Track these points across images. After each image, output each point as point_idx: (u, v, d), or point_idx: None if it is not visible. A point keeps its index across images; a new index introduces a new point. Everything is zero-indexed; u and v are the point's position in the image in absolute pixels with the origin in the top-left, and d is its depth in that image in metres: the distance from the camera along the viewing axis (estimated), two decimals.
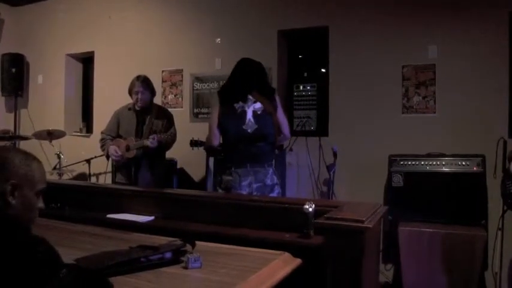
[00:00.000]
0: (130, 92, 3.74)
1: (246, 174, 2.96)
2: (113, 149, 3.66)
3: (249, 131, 2.97)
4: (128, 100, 3.81)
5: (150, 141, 3.51)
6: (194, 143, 3.72)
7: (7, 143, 5.00)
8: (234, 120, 2.98)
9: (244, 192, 2.94)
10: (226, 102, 3.02)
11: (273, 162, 3.13)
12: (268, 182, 3.00)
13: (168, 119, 3.80)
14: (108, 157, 3.78)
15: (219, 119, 3.01)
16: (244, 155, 2.96)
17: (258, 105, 3.01)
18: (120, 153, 3.64)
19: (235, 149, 2.99)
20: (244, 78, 3.06)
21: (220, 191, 3.05)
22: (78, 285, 1.18)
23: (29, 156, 1.36)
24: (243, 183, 2.95)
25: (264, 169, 3.00)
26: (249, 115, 2.98)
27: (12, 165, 1.29)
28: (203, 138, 3.48)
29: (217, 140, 3.05)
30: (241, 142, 2.97)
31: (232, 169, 2.97)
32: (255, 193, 2.96)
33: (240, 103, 3.00)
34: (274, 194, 3.03)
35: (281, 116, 3.10)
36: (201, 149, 3.84)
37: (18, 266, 1.10)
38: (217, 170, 3.23)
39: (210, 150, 3.38)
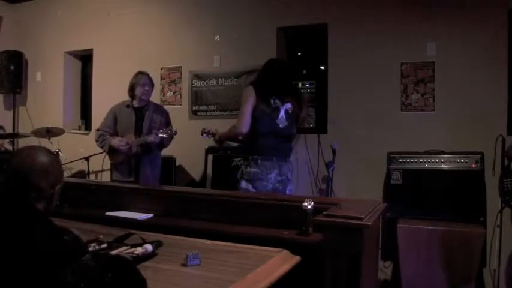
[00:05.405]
0: (133, 87, 3.68)
1: (272, 167, 3.09)
2: (117, 140, 3.61)
3: (280, 126, 3.15)
4: (126, 97, 3.80)
5: (154, 137, 3.53)
6: (207, 132, 3.33)
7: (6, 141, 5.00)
8: (268, 114, 3.12)
9: (270, 185, 3.07)
10: (263, 96, 3.12)
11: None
12: (289, 176, 3.19)
13: (166, 116, 3.81)
14: (108, 152, 3.75)
15: (254, 110, 3.09)
16: (272, 147, 3.10)
17: (290, 105, 3.20)
18: (125, 141, 3.58)
19: (265, 140, 3.09)
20: (282, 80, 3.21)
21: (243, 182, 3.10)
22: (105, 270, 1.20)
23: (53, 155, 1.44)
24: (269, 175, 3.08)
25: (287, 163, 3.18)
26: (282, 112, 3.16)
27: (53, 170, 1.39)
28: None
29: (246, 127, 3.07)
30: (272, 135, 3.12)
31: (259, 161, 3.07)
32: (277, 185, 3.10)
33: (277, 100, 3.15)
34: (287, 190, 3.18)
35: (305, 112, 3.42)
36: (204, 142, 3.73)
37: (53, 251, 1.16)
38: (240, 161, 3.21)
39: (222, 143, 3.35)
